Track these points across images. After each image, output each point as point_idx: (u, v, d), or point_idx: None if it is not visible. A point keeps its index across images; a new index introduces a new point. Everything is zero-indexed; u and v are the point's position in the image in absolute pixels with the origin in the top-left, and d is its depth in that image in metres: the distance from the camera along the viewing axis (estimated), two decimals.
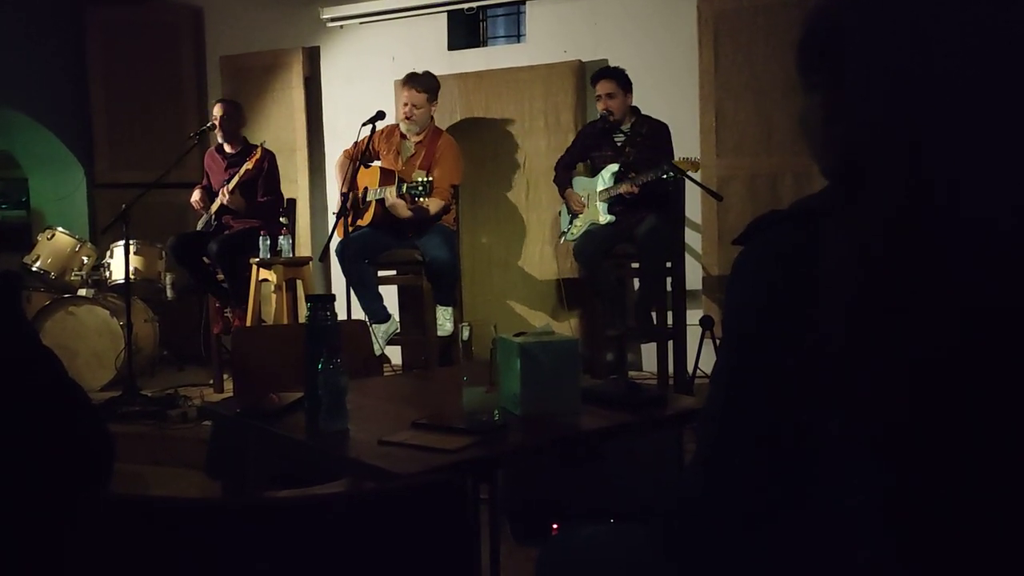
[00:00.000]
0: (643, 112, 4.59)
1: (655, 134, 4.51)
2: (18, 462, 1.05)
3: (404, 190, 4.41)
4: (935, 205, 0.72)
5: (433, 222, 4.66)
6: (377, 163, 4.83)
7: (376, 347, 4.57)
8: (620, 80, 4.51)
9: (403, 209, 4.55)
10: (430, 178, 4.36)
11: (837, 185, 0.92)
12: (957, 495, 0.71)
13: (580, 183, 4.69)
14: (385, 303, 4.67)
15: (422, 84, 4.73)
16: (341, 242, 4.58)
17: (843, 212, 0.83)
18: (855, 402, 0.77)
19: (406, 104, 4.73)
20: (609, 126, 4.56)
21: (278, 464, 2.53)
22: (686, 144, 4.69)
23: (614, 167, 4.50)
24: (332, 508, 1.00)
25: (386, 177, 4.68)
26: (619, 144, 4.56)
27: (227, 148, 5.27)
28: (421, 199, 4.38)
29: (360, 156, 4.67)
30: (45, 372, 1.16)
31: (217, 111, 5.23)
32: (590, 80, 4.73)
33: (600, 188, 4.54)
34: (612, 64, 4.84)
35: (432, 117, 4.83)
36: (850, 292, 0.80)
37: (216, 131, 5.24)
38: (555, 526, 2.99)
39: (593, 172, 4.65)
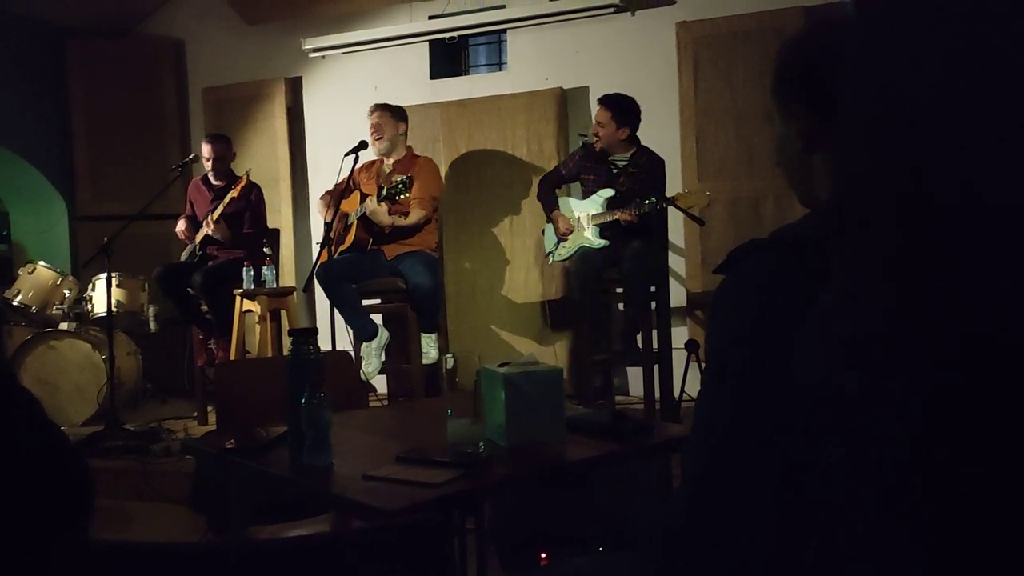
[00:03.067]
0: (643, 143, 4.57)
1: (650, 168, 4.52)
2: None
3: (384, 193, 4.44)
4: (936, 234, 0.71)
5: (414, 234, 4.67)
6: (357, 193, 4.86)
7: (369, 368, 4.56)
8: (614, 111, 4.47)
9: (384, 215, 4.56)
10: (410, 175, 4.41)
11: (824, 216, 0.92)
12: (949, 529, 0.70)
13: (570, 204, 4.69)
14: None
15: (386, 107, 4.88)
16: (323, 265, 4.56)
17: (833, 243, 0.83)
18: (836, 434, 0.77)
19: (371, 126, 4.81)
20: (602, 151, 4.57)
21: (263, 497, 2.50)
22: (668, 169, 4.71)
23: (608, 192, 4.51)
24: (315, 550, 0.99)
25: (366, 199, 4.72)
26: (614, 172, 4.54)
27: (213, 180, 5.25)
28: (402, 196, 4.42)
29: (343, 192, 4.70)
30: (21, 412, 1.14)
31: (207, 152, 5.16)
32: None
33: (593, 212, 4.55)
34: (600, 91, 4.76)
35: (407, 143, 4.90)
36: (842, 323, 0.79)
37: (208, 172, 5.19)
38: (544, 555, 2.97)
39: (584, 195, 4.66)
